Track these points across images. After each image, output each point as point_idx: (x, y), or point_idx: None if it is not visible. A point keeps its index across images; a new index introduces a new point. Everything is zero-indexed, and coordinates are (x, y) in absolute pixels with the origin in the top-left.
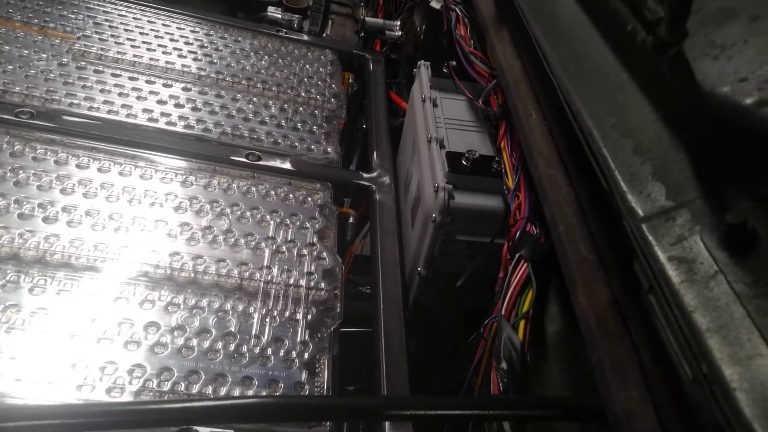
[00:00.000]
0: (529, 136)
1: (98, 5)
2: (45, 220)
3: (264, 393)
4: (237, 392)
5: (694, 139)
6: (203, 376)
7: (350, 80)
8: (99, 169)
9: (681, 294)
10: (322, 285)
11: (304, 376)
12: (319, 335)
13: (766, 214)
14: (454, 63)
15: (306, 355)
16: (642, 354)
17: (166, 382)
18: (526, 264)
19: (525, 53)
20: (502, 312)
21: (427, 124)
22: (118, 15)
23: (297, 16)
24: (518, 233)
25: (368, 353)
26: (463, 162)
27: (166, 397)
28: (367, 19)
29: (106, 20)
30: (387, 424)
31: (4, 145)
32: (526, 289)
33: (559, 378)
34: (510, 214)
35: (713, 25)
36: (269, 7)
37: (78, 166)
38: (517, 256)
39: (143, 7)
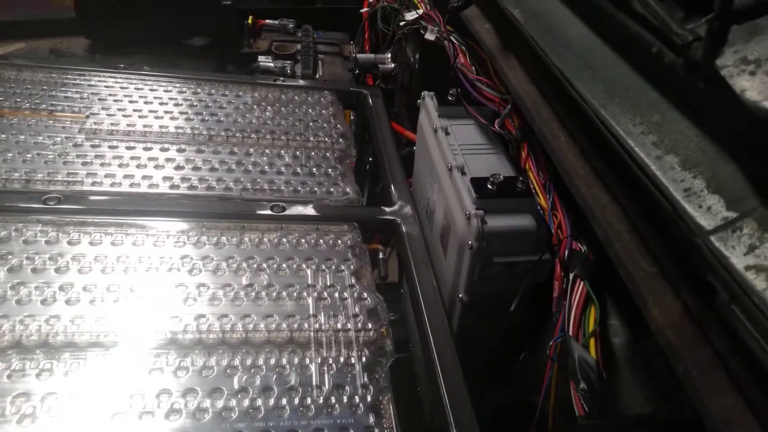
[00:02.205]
0: (562, 158)
1: (99, 81)
2: (92, 302)
3: None
4: None
5: (743, 150)
6: None
7: (351, 117)
8: (134, 244)
9: None
10: (369, 325)
11: (371, 419)
12: (376, 376)
13: None
14: (459, 90)
15: (369, 398)
16: (728, 361)
17: None
18: (583, 283)
19: (539, 78)
20: (570, 332)
21: (444, 154)
22: (120, 88)
23: (288, 62)
24: (566, 252)
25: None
26: (489, 186)
27: None
28: (358, 56)
29: (110, 95)
30: None
31: (39, 234)
32: (588, 307)
33: (636, 389)
34: (552, 234)
35: (741, 42)
36: (259, 57)
37: (113, 244)
38: (572, 276)
39: (142, 77)
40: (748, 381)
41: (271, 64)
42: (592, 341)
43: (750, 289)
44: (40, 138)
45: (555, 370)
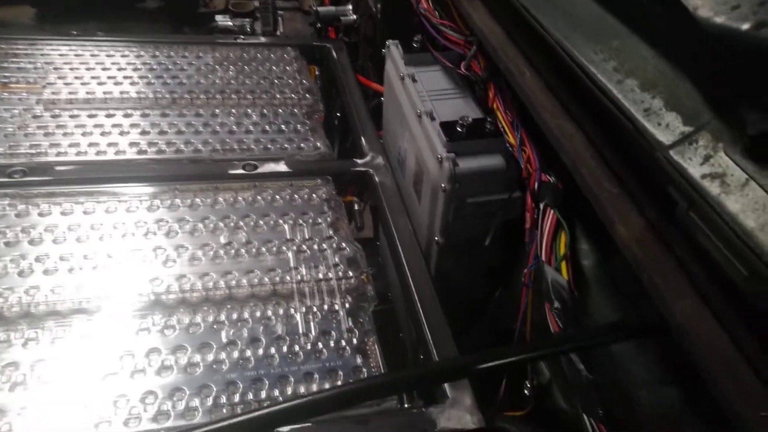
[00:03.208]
0: (529, 93)
1: (52, 50)
2: (71, 271)
3: (326, 384)
4: (302, 389)
5: (696, 68)
6: (267, 382)
7: (317, 72)
8: (106, 211)
9: (723, 203)
10: (350, 273)
11: (358, 360)
12: (360, 320)
13: None
14: (423, 36)
15: (355, 341)
16: (688, 266)
17: (235, 395)
18: (552, 211)
19: (503, 17)
20: (543, 258)
21: (413, 101)
22: (75, 56)
23: (247, 19)
24: (536, 184)
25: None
26: (458, 129)
27: (239, 410)
28: (319, 9)
29: (65, 63)
30: (447, 385)
31: (7, 208)
32: (558, 233)
33: (606, 304)
34: (521, 168)
35: None
36: (217, 17)
37: (85, 213)
38: (542, 205)
39: (96, 43)
40: (706, 283)
41: (230, 23)
42: (563, 265)
43: (706, 194)
44: None
45: (530, 297)
